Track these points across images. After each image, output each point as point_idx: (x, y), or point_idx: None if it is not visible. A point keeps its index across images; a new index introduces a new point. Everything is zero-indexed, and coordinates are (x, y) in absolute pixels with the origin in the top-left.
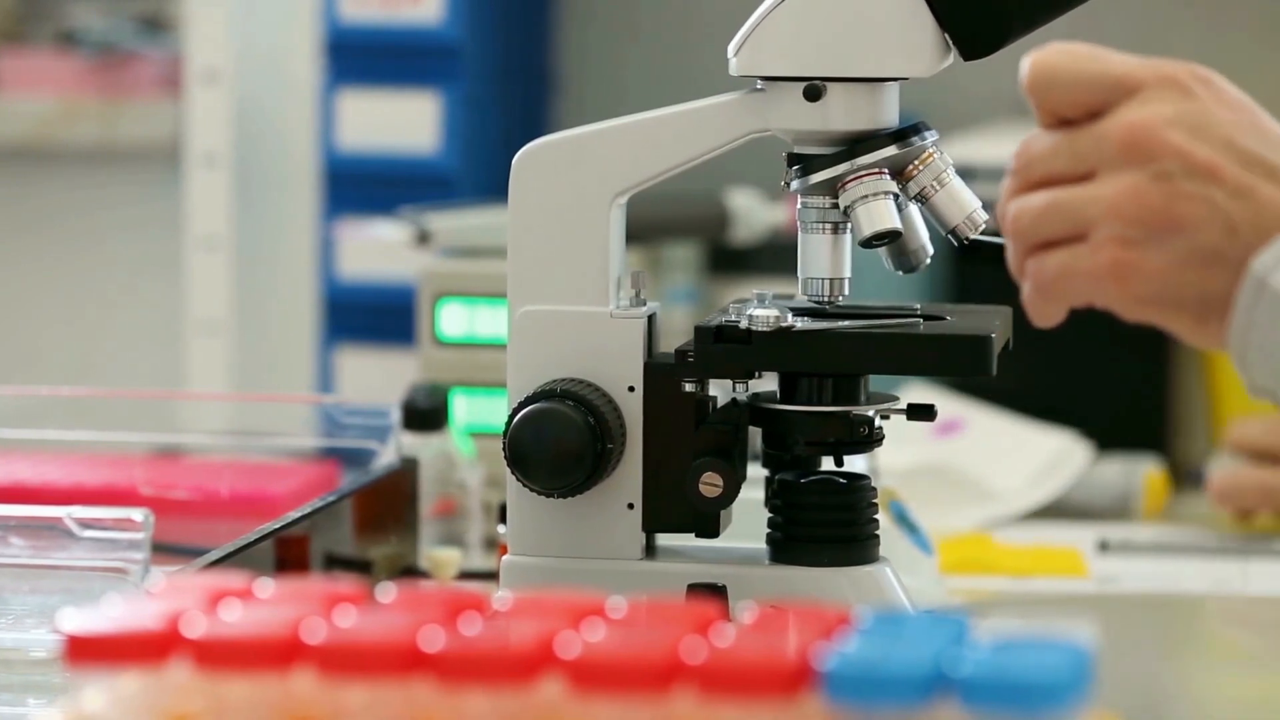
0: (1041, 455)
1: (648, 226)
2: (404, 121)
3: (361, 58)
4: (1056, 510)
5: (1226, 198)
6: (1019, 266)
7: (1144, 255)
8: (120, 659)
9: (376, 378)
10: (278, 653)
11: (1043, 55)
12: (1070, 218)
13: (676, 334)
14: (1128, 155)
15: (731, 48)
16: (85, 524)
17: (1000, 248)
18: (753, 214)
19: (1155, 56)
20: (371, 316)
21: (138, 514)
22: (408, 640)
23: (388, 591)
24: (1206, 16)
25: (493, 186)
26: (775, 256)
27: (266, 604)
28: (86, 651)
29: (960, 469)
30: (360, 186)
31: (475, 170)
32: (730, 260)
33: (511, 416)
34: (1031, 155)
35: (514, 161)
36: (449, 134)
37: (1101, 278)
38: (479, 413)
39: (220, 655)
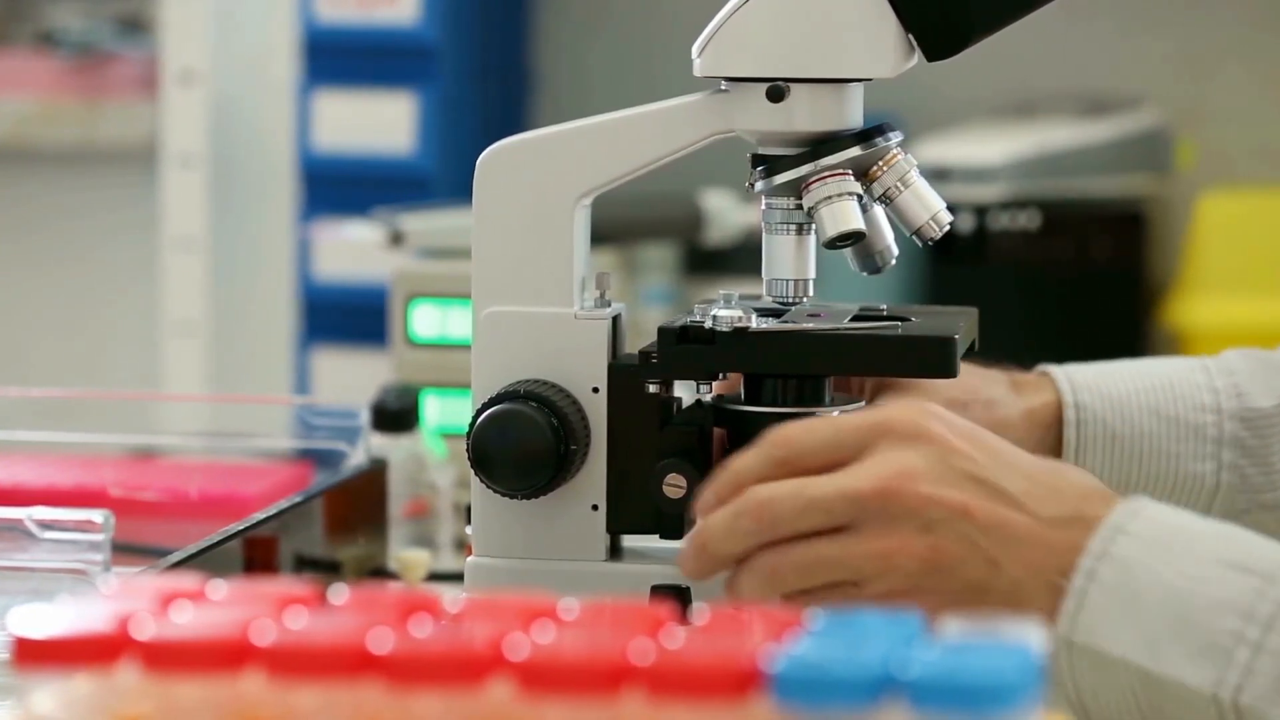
0: None
1: (623, 228)
2: (380, 122)
3: (338, 58)
4: None
5: (981, 534)
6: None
7: (919, 598)
8: (70, 661)
9: (352, 378)
10: (227, 655)
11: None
12: (840, 570)
13: (653, 335)
14: (885, 511)
15: (695, 48)
16: (45, 525)
17: None
18: (726, 214)
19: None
20: (347, 317)
21: (98, 515)
22: (357, 642)
23: (340, 593)
24: (1178, 14)
25: (469, 187)
26: (750, 257)
27: (218, 606)
28: (36, 654)
29: None
30: (337, 187)
31: (451, 171)
32: (706, 260)
33: (475, 417)
34: (778, 513)
35: (478, 162)
36: (425, 134)
37: None
38: (450, 413)
39: (170, 657)
